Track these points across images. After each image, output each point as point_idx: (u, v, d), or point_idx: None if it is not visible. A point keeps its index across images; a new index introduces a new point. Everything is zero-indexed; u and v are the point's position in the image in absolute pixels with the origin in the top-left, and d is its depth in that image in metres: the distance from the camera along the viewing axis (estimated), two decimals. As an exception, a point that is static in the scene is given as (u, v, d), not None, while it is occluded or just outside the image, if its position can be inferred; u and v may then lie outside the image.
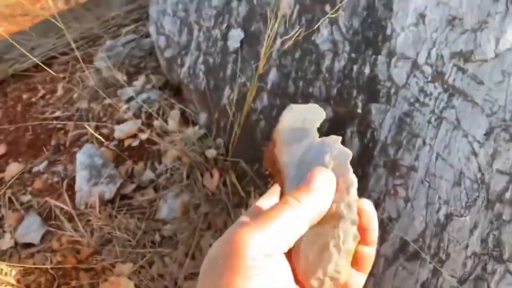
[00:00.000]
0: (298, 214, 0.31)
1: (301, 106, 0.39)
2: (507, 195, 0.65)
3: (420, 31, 0.81)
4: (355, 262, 0.35)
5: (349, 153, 0.36)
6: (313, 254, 0.34)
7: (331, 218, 0.34)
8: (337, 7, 0.81)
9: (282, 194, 0.37)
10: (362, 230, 0.34)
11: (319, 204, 0.32)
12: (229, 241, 0.30)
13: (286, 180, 0.36)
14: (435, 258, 0.77)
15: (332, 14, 0.79)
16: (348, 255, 0.34)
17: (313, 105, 0.39)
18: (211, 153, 1.25)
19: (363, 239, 0.34)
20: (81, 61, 1.24)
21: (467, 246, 0.72)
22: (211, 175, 1.23)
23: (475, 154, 0.71)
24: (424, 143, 0.81)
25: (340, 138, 0.37)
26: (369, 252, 0.35)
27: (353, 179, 0.35)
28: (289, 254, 0.34)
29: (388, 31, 0.86)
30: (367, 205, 0.35)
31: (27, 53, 1.04)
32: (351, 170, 0.35)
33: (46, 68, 1.10)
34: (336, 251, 0.34)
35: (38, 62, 1.07)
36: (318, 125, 0.38)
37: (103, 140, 1.24)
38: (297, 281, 0.34)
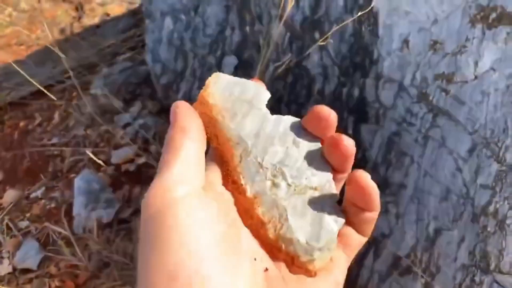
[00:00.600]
0: (189, 136, 0.31)
1: (233, 78, 0.37)
2: (491, 208, 0.69)
3: (405, 55, 0.86)
4: (357, 225, 0.34)
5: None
6: (308, 224, 0.33)
7: (314, 192, 0.34)
8: (326, 35, 0.86)
9: (225, 162, 0.35)
10: (359, 201, 0.33)
11: (192, 121, 0.32)
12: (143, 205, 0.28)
13: (238, 149, 0.35)
14: (427, 272, 0.80)
15: (321, 42, 0.84)
16: (338, 227, 0.34)
17: (254, 83, 0.38)
18: (207, 176, 1.28)
19: (363, 208, 0.34)
20: (78, 88, 1.27)
21: (456, 259, 0.75)
22: (208, 198, 1.25)
23: (460, 170, 0.75)
24: (412, 160, 0.85)
25: (299, 120, 0.37)
26: (370, 217, 0.34)
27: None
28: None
29: (375, 56, 0.91)
30: (358, 176, 0.33)
31: (29, 78, 1.08)
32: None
33: (46, 92, 1.13)
34: (332, 221, 0.34)
35: (39, 87, 1.10)
36: (266, 102, 0.37)
37: (101, 163, 1.26)
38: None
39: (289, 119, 0.37)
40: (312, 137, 0.37)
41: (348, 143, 0.34)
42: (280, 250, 0.33)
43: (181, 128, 0.31)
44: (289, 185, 0.34)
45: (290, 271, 0.33)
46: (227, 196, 0.33)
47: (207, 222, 0.27)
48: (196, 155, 0.30)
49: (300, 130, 0.37)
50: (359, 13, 0.82)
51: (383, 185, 0.91)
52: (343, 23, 0.88)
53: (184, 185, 0.28)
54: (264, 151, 0.35)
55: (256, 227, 0.33)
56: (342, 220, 0.34)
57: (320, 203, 0.34)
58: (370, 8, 0.85)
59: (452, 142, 0.77)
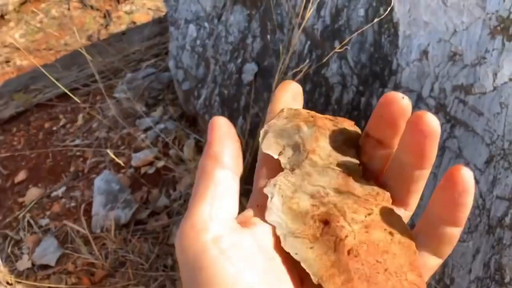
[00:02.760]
0: (217, 164, 0.27)
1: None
2: (507, 220, 0.68)
3: (423, 66, 0.86)
4: (435, 248, 0.28)
5: None
6: None
7: None
8: (343, 43, 0.87)
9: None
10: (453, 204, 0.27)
11: (227, 143, 0.28)
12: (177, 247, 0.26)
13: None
14: (441, 283, 0.79)
15: (339, 49, 0.85)
16: None
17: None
18: (224, 181, 1.30)
19: (448, 218, 0.27)
20: (103, 91, 1.31)
21: (470, 271, 0.74)
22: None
23: (476, 181, 0.74)
24: (428, 171, 0.85)
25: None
26: (453, 233, 0.28)
27: None
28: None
29: (394, 66, 0.92)
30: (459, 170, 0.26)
31: (55, 81, 1.12)
32: None
33: (71, 95, 1.17)
34: None
35: (65, 90, 1.14)
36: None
37: (122, 163, 1.29)
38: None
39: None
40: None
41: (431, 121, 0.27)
42: None
43: (213, 155, 0.27)
44: None
45: None
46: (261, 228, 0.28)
47: (245, 259, 0.25)
48: (228, 185, 0.27)
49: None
50: (376, 20, 0.82)
51: (398, 195, 0.90)
52: (360, 30, 0.89)
53: (216, 223, 0.26)
54: None
55: None
56: None
57: None
58: (390, 17, 0.86)
59: (469, 153, 0.77)
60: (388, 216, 0.29)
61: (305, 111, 0.31)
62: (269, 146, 0.30)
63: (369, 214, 0.28)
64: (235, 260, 0.24)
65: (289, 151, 0.30)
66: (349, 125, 0.32)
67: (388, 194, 0.29)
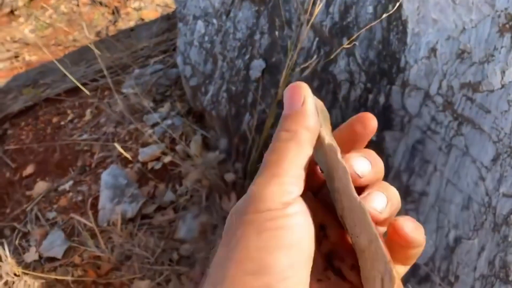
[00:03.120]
0: (299, 142, 0.29)
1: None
2: (513, 217, 0.68)
3: (432, 64, 0.86)
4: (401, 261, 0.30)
5: (345, 169, 0.30)
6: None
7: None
8: (351, 39, 0.87)
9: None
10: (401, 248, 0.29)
11: (310, 120, 0.30)
12: (243, 200, 0.29)
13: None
14: (445, 280, 0.79)
15: (347, 45, 0.85)
16: None
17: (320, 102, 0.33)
18: (230, 177, 1.31)
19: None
20: (112, 86, 1.32)
21: (475, 268, 0.74)
22: (229, 198, 1.28)
23: (483, 179, 0.74)
24: (435, 169, 0.85)
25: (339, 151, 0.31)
26: (415, 252, 0.30)
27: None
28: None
29: (402, 63, 0.92)
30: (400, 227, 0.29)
31: (68, 74, 1.12)
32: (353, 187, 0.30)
33: (82, 88, 1.17)
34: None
35: (76, 83, 1.15)
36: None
37: (129, 157, 1.30)
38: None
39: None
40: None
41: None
42: None
43: (294, 129, 0.30)
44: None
45: None
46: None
47: (305, 226, 0.28)
48: (302, 161, 0.29)
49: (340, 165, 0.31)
50: (384, 15, 0.83)
51: (404, 193, 0.90)
52: (368, 26, 0.89)
53: (294, 188, 0.28)
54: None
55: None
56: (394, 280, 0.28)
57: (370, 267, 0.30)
58: (398, 15, 0.86)
59: (476, 150, 0.77)
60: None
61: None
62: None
63: None
64: (303, 223, 0.28)
65: None
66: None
67: None
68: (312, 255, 0.28)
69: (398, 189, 0.31)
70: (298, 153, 0.29)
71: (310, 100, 0.30)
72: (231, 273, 0.27)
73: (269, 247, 0.27)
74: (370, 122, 0.32)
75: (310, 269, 0.28)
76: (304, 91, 0.30)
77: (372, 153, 0.31)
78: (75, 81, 1.16)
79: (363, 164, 0.30)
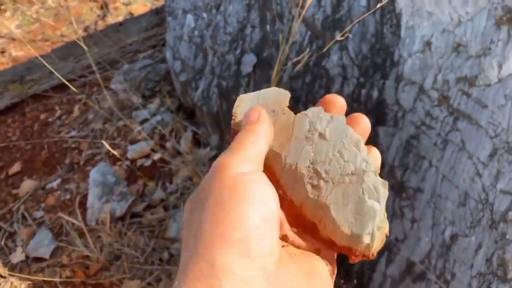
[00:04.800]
0: (258, 134, 0.35)
1: (252, 94, 0.39)
2: (510, 214, 0.67)
3: (426, 57, 0.84)
4: None
5: (340, 117, 0.37)
6: (351, 214, 0.35)
7: (351, 178, 0.35)
8: (344, 31, 0.85)
9: (271, 174, 0.38)
10: None
11: (264, 125, 0.36)
12: (211, 170, 0.33)
13: (276, 163, 0.37)
14: (441, 278, 0.78)
15: (340, 37, 0.83)
16: (383, 202, 0.35)
17: (272, 89, 0.39)
18: (221, 174, 1.28)
19: None
20: (100, 82, 1.29)
21: (472, 266, 0.73)
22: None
23: (480, 175, 0.73)
24: (430, 164, 0.83)
25: (320, 108, 0.38)
26: None
27: (357, 136, 0.37)
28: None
29: (396, 57, 0.90)
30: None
31: (53, 71, 1.09)
32: (351, 128, 0.37)
33: (69, 85, 1.14)
34: (375, 202, 0.35)
35: (63, 80, 1.12)
36: (287, 103, 0.38)
37: (118, 155, 1.27)
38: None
39: (312, 112, 0.38)
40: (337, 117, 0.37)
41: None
42: (336, 245, 0.35)
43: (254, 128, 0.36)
44: (326, 181, 0.36)
45: (350, 260, 0.36)
46: None
47: (268, 186, 0.33)
48: (263, 147, 0.35)
49: (323, 118, 0.37)
50: (378, 5, 0.80)
51: (399, 189, 0.89)
52: (361, 18, 0.87)
53: (254, 162, 0.34)
54: (296, 157, 0.37)
55: (311, 228, 0.36)
56: (385, 193, 0.35)
57: (359, 187, 0.35)
58: (392, 7, 0.83)
59: (473, 146, 0.75)
60: None
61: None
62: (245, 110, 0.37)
63: None
64: (266, 186, 0.32)
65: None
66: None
67: None
68: (278, 217, 0.32)
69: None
70: (254, 142, 0.34)
71: (264, 112, 0.36)
72: (208, 231, 0.30)
73: (242, 204, 0.30)
74: (338, 101, 0.39)
75: (278, 228, 0.32)
76: (261, 110, 0.36)
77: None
78: (61, 78, 1.13)
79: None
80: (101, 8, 3.16)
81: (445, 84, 0.81)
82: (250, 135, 0.35)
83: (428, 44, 0.84)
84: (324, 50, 0.90)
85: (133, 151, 1.49)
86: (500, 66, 0.72)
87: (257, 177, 0.32)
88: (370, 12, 0.86)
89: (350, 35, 0.88)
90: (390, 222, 0.95)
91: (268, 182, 0.33)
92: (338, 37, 0.84)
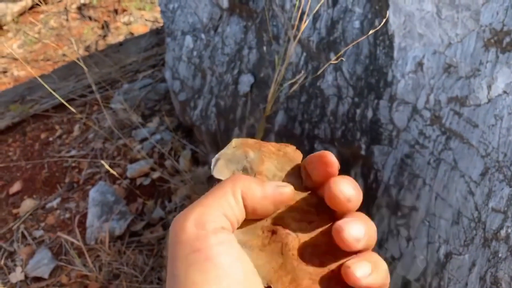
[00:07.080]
0: (223, 190, 0.31)
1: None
2: (502, 232, 0.68)
3: (419, 78, 0.86)
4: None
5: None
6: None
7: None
8: (339, 54, 0.87)
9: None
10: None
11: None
12: (170, 231, 0.30)
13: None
14: (436, 296, 0.78)
15: (334, 61, 0.85)
16: None
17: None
18: (219, 192, 1.29)
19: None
20: (100, 102, 1.31)
21: (466, 285, 0.73)
22: (219, 214, 1.26)
23: (472, 193, 0.74)
24: (424, 183, 0.85)
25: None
26: None
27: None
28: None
29: (389, 78, 0.92)
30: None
31: (53, 92, 1.11)
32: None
33: (68, 105, 1.16)
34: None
35: (62, 100, 1.14)
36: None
37: (117, 175, 1.28)
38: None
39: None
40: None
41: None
42: None
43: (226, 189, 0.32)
44: None
45: None
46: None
47: (236, 255, 0.29)
48: (233, 205, 0.31)
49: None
50: (371, 31, 0.83)
51: (394, 207, 0.90)
52: (356, 42, 0.89)
53: (216, 220, 0.29)
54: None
55: None
56: None
57: None
58: (385, 29, 0.86)
59: (465, 165, 0.76)
60: (329, 222, 0.32)
61: (252, 140, 0.35)
62: (221, 172, 0.34)
63: (312, 222, 0.32)
64: (229, 252, 0.28)
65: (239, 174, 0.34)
66: (292, 149, 0.35)
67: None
68: (248, 276, 0.28)
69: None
70: (221, 196, 0.30)
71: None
72: None
73: (199, 283, 0.27)
74: (329, 159, 0.32)
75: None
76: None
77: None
78: (60, 99, 1.15)
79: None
80: (102, 27, 3.20)
81: (437, 104, 0.82)
82: (215, 191, 0.30)
83: (420, 64, 0.86)
84: (319, 72, 0.92)
85: (132, 170, 1.50)
86: (489, 87, 0.73)
87: (213, 242, 0.28)
88: (364, 37, 0.88)
89: (344, 58, 0.90)
90: (386, 240, 0.96)
91: (234, 245, 0.29)
92: (332, 60, 0.86)
